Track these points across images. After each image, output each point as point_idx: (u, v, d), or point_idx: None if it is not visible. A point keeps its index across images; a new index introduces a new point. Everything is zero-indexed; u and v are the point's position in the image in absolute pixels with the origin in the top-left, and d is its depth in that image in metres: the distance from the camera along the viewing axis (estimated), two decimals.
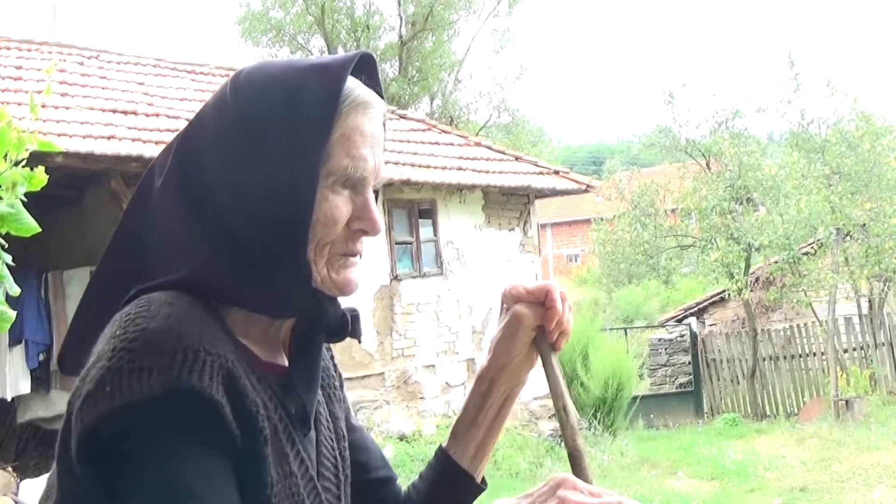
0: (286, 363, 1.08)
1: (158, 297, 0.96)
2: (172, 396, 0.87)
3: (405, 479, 1.28)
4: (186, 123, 1.08)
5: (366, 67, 1.08)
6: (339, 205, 1.02)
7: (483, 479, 1.25)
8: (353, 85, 1.04)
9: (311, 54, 25.54)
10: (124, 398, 0.87)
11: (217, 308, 0.99)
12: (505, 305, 1.19)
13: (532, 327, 1.16)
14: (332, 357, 1.27)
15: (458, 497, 1.23)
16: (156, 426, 0.87)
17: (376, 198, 1.10)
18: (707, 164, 18.15)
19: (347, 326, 1.08)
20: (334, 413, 1.20)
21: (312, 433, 1.09)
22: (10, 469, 7.45)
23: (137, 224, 1.06)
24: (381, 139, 1.07)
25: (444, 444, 1.25)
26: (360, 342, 1.28)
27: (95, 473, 0.89)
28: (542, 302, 1.16)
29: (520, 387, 1.22)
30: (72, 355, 1.04)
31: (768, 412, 15.53)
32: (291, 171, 0.98)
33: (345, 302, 1.09)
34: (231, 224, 0.99)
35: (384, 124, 1.09)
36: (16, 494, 6.80)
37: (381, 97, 1.09)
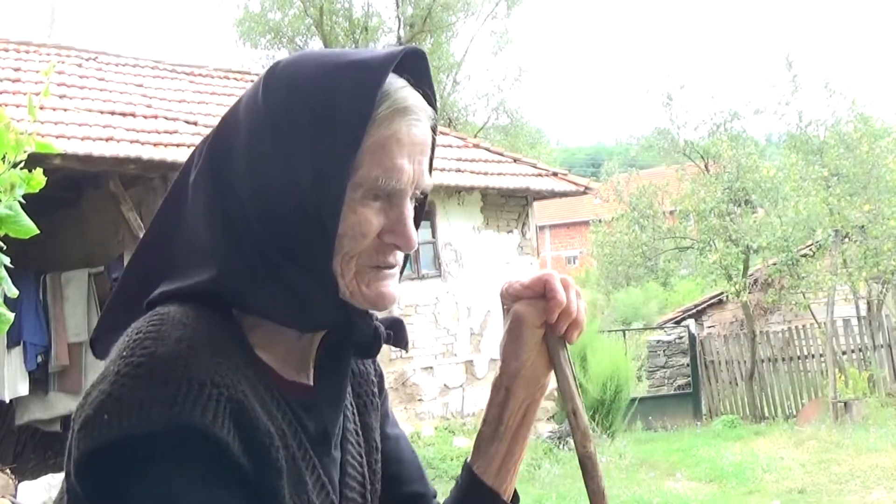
0: (311, 380, 1.03)
1: (174, 315, 0.91)
2: (173, 432, 0.83)
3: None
4: (223, 115, 1.03)
5: (413, 65, 0.99)
6: (370, 218, 0.95)
7: (515, 493, 1.15)
8: (394, 86, 0.96)
9: None
10: (122, 429, 0.83)
11: (238, 322, 0.96)
12: (505, 306, 1.09)
13: (537, 325, 1.06)
14: (372, 360, 1.20)
15: None
16: (154, 460, 0.83)
17: (423, 207, 1.03)
18: (705, 166, 18.17)
19: (380, 342, 1.01)
20: (368, 424, 1.15)
21: (337, 453, 1.05)
22: (8, 471, 7.44)
23: (170, 218, 1.02)
24: (427, 145, 0.99)
25: (468, 459, 1.14)
26: (406, 350, 1.20)
27: (95, 497, 0.87)
28: (542, 295, 1.06)
29: (541, 392, 1.11)
30: (101, 344, 1.01)
31: (767, 414, 15.52)
32: (317, 181, 0.91)
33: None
34: (255, 229, 0.93)
35: (433, 128, 1.01)
36: (14, 496, 6.79)
37: (432, 97, 1.01)
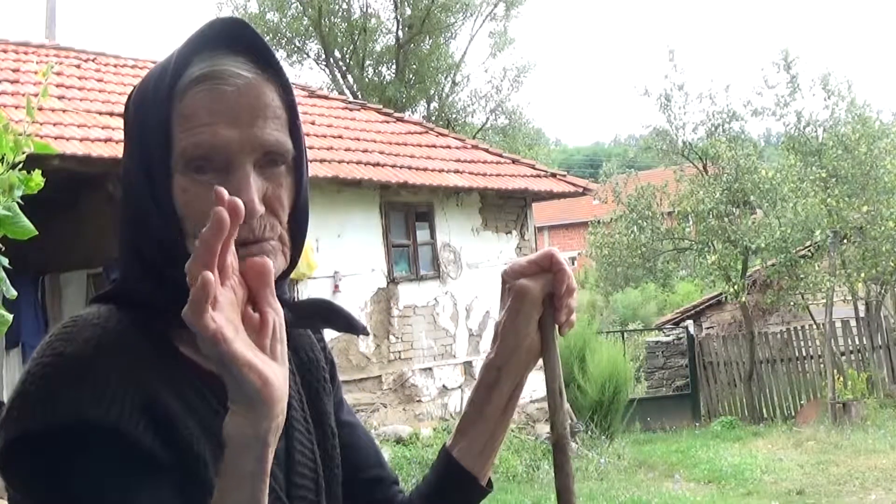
0: None
1: (86, 317, 0.93)
2: (75, 428, 0.84)
3: (402, 483, 1.24)
4: None
5: (235, 35, 0.98)
6: (202, 191, 0.92)
7: (490, 481, 1.16)
8: (196, 61, 0.96)
9: (308, 57, 25.57)
10: (27, 425, 0.85)
11: (158, 318, 0.96)
12: (507, 285, 1.08)
13: (540, 299, 1.06)
14: (323, 348, 1.20)
15: (460, 501, 1.14)
16: (59, 455, 0.85)
17: (300, 170, 1.00)
18: (704, 167, 18.13)
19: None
20: (321, 410, 1.14)
21: (282, 441, 1.02)
22: None
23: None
24: (261, 107, 0.95)
25: (447, 443, 1.15)
26: (358, 334, 1.13)
27: (20, 494, 0.88)
28: (547, 269, 1.06)
29: (526, 376, 1.12)
30: None
31: (765, 415, 15.52)
32: (148, 170, 0.95)
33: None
34: (128, 232, 1.00)
35: (277, 91, 0.98)
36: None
37: (269, 59, 0.98)
